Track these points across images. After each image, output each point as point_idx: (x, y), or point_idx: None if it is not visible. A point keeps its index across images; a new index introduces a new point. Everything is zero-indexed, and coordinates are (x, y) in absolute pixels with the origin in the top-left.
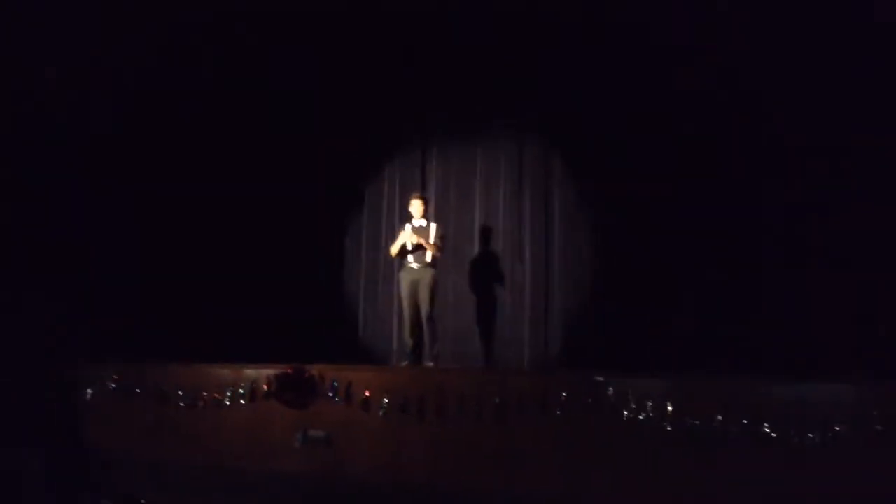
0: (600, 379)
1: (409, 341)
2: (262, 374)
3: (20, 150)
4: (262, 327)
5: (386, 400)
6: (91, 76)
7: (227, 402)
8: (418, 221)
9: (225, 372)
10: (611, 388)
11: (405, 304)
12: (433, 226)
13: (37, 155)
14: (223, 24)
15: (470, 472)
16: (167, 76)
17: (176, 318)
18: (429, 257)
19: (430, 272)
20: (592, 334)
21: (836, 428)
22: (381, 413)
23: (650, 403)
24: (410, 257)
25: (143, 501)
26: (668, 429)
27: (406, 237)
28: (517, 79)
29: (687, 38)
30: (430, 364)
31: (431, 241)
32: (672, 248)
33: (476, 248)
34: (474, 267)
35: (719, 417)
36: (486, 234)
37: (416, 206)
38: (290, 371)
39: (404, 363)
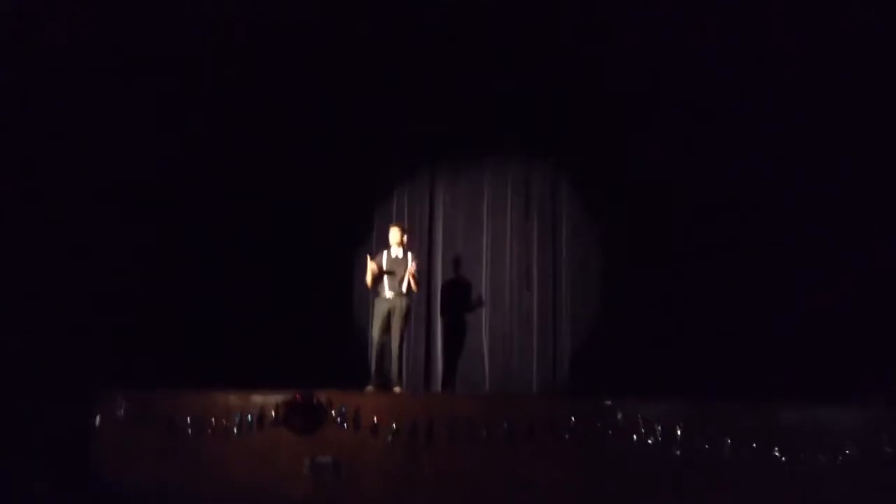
0: (609, 403)
1: (373, 366)
2: (269, 400)
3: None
4: (271, 352)
5: (394, 425)
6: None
7: (236, 430)
8: (395, 251)
9: (233, 398)
10: (620, 413)
11: (375, 330)
12: (409, 255)
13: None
14: (232, 54)
15: (479, 497)
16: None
17: (184, 345)
18: (403, 287)
19: (404, 300)
20: (601, 358)
21: (846, 451)
22: (389, 439)
23: (659, 428)
24: (386, 286)
25: None
26: (678, 453)
27: (373, 266)
28: (524, 105)
29: (692, 65)
30: (397, 390)
31: (406, 272)
32: (681, 272)
33: (484, 274)
34: (479, 291)
35: (729, 441)
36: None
37: (394, 235)
38: (298, 397)
39: (369, 388)
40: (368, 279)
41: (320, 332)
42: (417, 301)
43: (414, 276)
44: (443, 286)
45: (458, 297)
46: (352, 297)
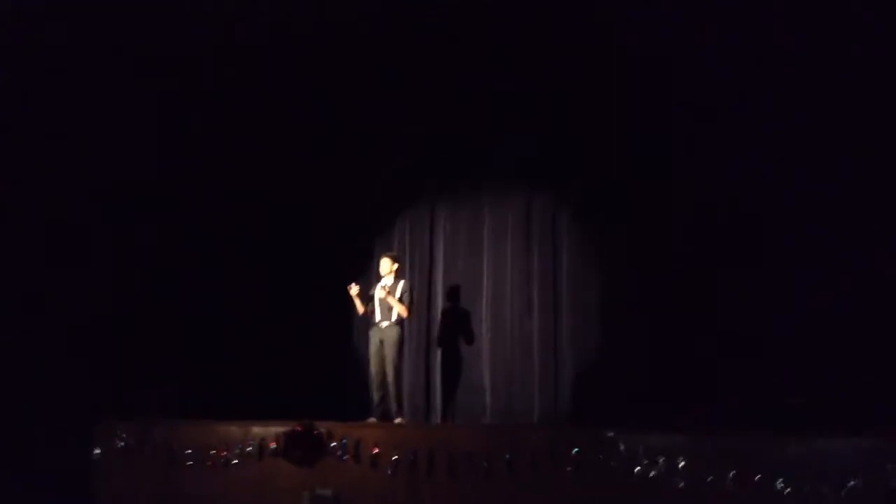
0: (611, 434)
1: (374, 397)
2: (270, 431)
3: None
4: (271, 383)
5: (395, 457)
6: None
7: (236, 461)
8: (386, 280)
9: (233, 429)
10: (622, 444)
11: (371, 360)
12: (401, 283)
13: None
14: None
15: None
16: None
17: (185, 375)
18: (395, 316)
19: (395, 330)
20: (602, 389)
21: (850, 483)
22: (389, 471)
23: (662, 459)
24: (378, 315)
25: None
26: (681, 485)
27: (355, 292)
28: (525, 134)
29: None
30: (398, 420)
31: (397, 298)
32: (682, 302)
33: (484, 303)
34: (480, 322)
35: (732, 473)
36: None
37: (384, 265)
38: (298, 428)
39: (371, 420)
40: (358, 307)
41: (318, 364)
42: (416, 330)
43: (400, 302)
44: (441, 315)
45: (457, 327)
46: (351, 329)
